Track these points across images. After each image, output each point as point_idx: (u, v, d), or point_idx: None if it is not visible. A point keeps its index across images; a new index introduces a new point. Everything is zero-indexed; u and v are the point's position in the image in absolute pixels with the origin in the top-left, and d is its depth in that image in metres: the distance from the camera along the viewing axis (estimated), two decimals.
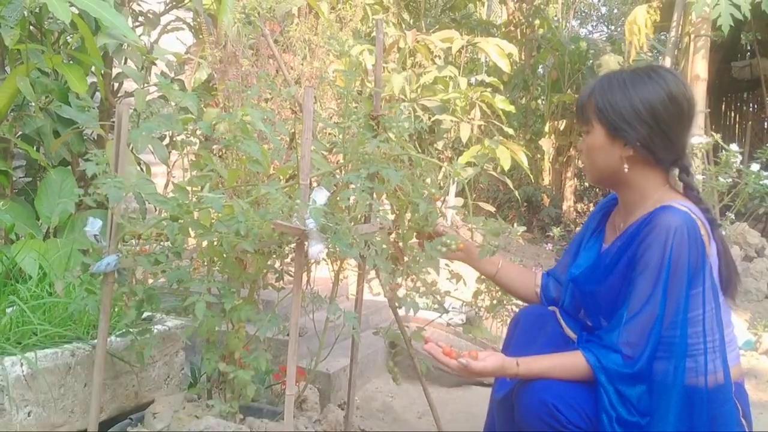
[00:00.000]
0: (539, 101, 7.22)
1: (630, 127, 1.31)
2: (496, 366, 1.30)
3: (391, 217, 1.63)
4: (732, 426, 1.26)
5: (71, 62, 2.16)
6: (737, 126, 8.51)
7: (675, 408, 1.20)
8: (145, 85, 2.48)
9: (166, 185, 2.55)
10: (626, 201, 1.40)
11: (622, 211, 1.43)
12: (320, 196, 1.36)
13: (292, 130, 1.75)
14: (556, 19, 6.98)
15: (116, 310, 1.61)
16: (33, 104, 2.13)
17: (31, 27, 2.21)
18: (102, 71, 2.32)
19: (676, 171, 1.38)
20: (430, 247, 1.49)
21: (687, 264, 1.22)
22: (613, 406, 1.22)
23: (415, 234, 1.64)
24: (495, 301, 1.84)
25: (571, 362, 1.29)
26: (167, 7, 2.77)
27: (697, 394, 1.21)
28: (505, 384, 1.44)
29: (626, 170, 1.34)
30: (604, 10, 12.47)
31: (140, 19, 2.65)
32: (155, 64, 2.54)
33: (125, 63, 2.57)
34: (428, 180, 1.75)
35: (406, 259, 1.67)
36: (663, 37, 6.81)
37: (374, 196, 1.56)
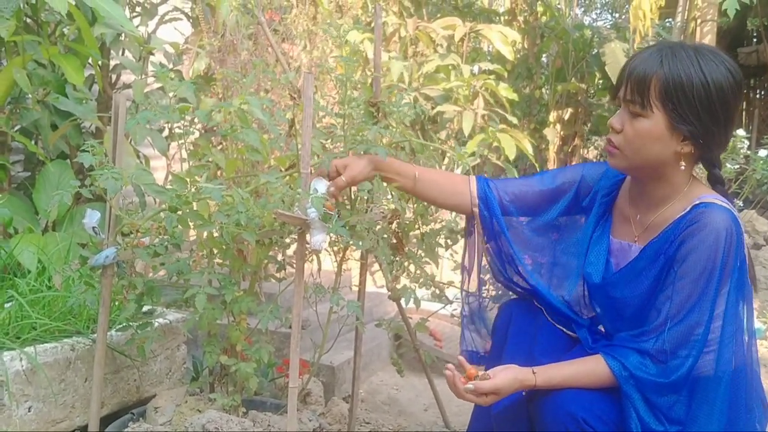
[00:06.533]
0: (543, 90, 7.15)
1: (699, 122, 1.15)
2: (509, 380, 1.22)
3: (392, 206, 1.60)
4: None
5: (68, 53, 2.13)
6: (744, 112, 8.44)
7: (722, 397, 1.15)
8: (143, 76, 2.45)
9: (166, 178, 2.52)
10: (653, 194, 1.26)
11: (638, 201, 1.30)
12: (321, 185, 1.33)
13: (292, 117, 1.72)
14: (559, 6, 6.90)
15: (116, 303, 1.59)
16: (30, 96, 2.11)
17: (27, 18, 2.19)
18: (99, 62, 2.29)
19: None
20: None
21: (735, 264, 1.16)
22: (640, 417, 1.17)
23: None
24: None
25: (593, 369, 1.22)
26: None
27: (739, 378, 1.17)
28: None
29: (683, 168, 1.19)
30: None
31: (137, 9, 2.62)
32: (153, 55, 2.51)
33: (123, 54, 2.54)
34: None
35: (406, 249, 1.65)
36: (669, 23, 6.74)
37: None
